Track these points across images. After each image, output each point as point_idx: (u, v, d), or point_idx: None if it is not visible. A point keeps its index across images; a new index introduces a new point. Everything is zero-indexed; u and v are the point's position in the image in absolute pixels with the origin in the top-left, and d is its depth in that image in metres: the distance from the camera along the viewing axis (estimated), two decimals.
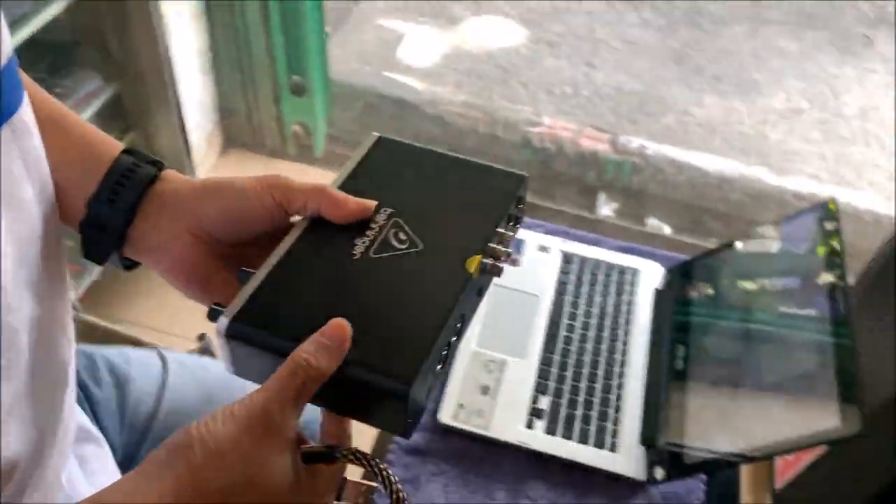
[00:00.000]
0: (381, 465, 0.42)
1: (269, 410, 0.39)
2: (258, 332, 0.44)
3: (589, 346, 0.99)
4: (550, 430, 0.90)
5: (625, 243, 1.16)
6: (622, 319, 1.03)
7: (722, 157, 2.06)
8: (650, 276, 1.09)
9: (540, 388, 0.94)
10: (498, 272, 0.50)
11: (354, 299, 0.45)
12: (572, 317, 1.02)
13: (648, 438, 0.90)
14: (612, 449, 0.89)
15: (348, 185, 0.52)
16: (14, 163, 0.41)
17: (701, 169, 2.02)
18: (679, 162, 2.03)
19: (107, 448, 0.69)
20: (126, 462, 0.72)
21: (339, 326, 0.42)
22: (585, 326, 1.01)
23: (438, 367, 0.45)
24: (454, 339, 0.47)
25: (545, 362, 0.96)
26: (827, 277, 0.87)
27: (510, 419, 0.90)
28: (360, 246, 0.48)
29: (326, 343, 0.41)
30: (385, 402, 0.42)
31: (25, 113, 0.43)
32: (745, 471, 0.95)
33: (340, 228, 0.49)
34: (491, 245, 0.49)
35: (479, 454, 0.88)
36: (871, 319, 1.30)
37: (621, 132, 2.07)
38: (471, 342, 0.97)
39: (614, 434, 0.91)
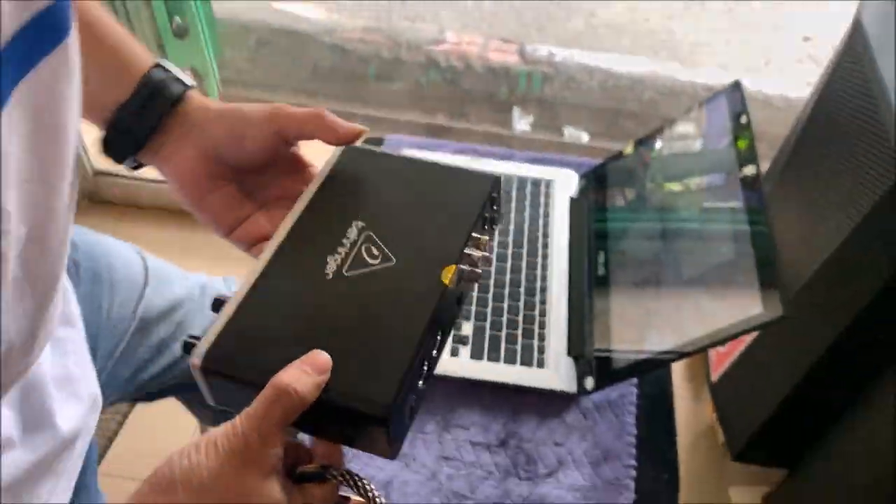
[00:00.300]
0: (370, 487, 0.42)
1: (250, 440, 0.39)
2: (232, 367, 0.43)
3: (507, 264, 0.95)
4: (476, 355, 0.86)
5: (538, 154, 1.12)
6: (539, 233, 0.99)
7: (632, 56, 2.01)
8: (565, 185, 1.05)
9: (462, 314, 0.90)
10: (476, 278, 0.48)
11: (330, 323, 0.44)
12: None
13: (575, 349, 0.88)
14: (541, 365, 0.86)
15: (318, 198, 0.51)
16: None
17: (611, 71, 1.97)
18: (590, 66, 1.98)
19: (82, 333, 0.65)
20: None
21: (320, 355, 0.42)
22: (503, 245, 0.97)
23: (420, 383, 0.44)
24: (434, 352, 0.46)
25: None
26: (740, 166, 0.84)
27: None
28: (331, 264, 0.47)
29: (307, 370, 0.41)
30: (366, 427, 0.41)
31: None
32: (679, 367, 0.94)
33: (314, 245, 0.48)
34: (466, 252, 0.48)
35: None
36: (786, 202, 1.31)
37: (528, 41, 2.00)
38: None
39: (541, 350, 0.88)
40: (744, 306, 0.73)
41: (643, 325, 0.85)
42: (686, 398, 1.60)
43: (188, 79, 0.55)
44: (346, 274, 0.46)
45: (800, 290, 1.19)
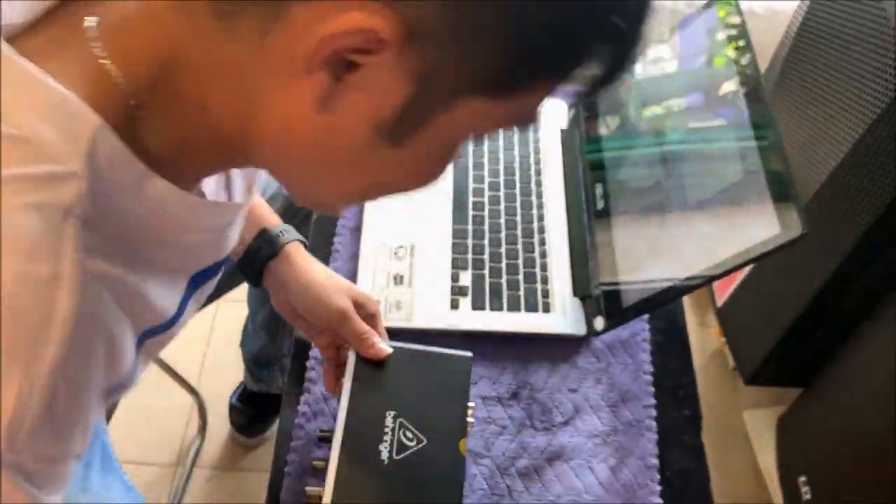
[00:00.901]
0: None
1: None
2: None
3: (501, 207, 0.90)
4: (478, 306, 0.82)
5: None
6: (531, 171, 0.93)
7: None
8: (554, 116, 0.99)
9: (458, 265, 0.85)
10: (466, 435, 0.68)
11: (399, 497, 0.64)
12: (478, 179, 0.92)
13: (582, 290, 0.83)
14: (547, 310, 0.82)
15: (354, 393, 0.68)
16: None
17: None
18: None
19: None
20: None
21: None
22: (494, 187, 0.91)
23: None
24: None
25: (458, 235, 0.87)
26: (736, 81, 0.78)
27: (432, 305, 0.81)
28: (384, 452, 0.65)
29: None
30: None
31: None
32: (685, 300, 0.90)
33: (367, 435, 0.66)
34: (467, 421, 0.68)
35: None
36: (782, 117, 1.25)
37: None
38: (372, 233, 0.86)
39: (546, 294, 0.83)
40: (759, 227, 0.68)
41: (651, 257, 0.80)
42: (692, 324, 1.57)
43: (285, 236, 0.73)
44: (395, 458, 0.65)
45: (805, 207, 1.14)
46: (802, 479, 1.21)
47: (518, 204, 0.90)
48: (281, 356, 1.24)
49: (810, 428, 1.27)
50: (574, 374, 0.79)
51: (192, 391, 1.32)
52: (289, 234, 0.73)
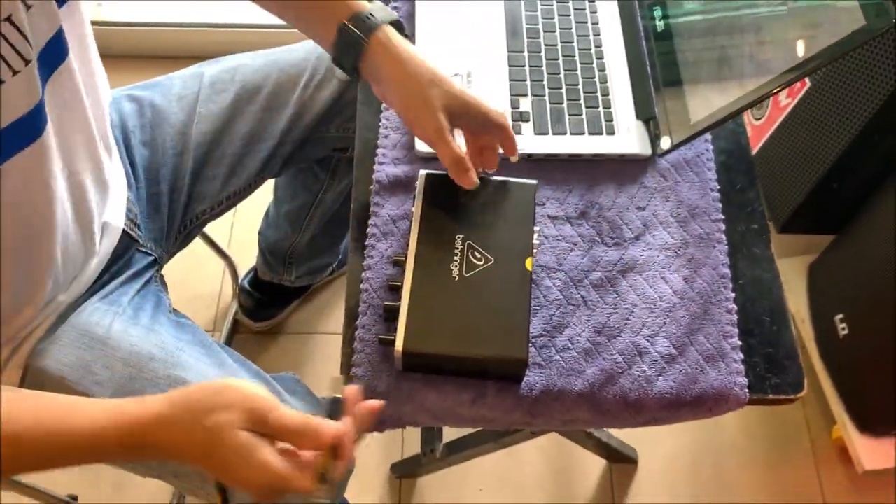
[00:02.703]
0: None
1: (263, 404, 0.55)
2: (421, 347, 0.65)
3: (556, 32, 0.87)
4: (541, 131, 0.80)
5: None
6: None
7: None
8: None
9: (517, 91, 0.83)
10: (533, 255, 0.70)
11: (471, 310, 0.66)
12: (531, 7, 0.88)
13: (645, 111, 0.82)
14: (611, 132, 0.81)
15: (424, 220, 0.70)
16: None
17: None
18: None
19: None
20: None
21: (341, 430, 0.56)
22: (547, 14, 0.88)
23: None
24: None
25: (514, 61, 0.84)
26: None
27: None
28: (454, 270, 0.68)
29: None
30: (512, 371, 0.67)
31: None
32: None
33: (438, 257, 0.68)
34: (533, 243, 0.70)
35: None
36: None
37: None
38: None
39: (608, 117, 0.82)
40: (840, 22, 0.66)
41: (715, 73, 0.78)
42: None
43: (370, 21, 0.69)
44: (466, 275, 0.67)
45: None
46: (839, 317, 1.23)
47: (573, 28, 0.87)
48: (300, 251, 1.22)
49: (844, 270, 1.29)
50: (641, 192, 0.79)
51: (223, 254, 1.29)
52: (375, 17, 0.69)
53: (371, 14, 0.69)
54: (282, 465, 0.53)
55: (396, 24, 0.71)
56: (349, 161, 1.05)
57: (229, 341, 1.32)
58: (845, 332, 1.22)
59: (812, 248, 1.44)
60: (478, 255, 0.68)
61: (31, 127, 0.60)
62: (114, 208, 0.78)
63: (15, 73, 0.55)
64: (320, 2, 0.71)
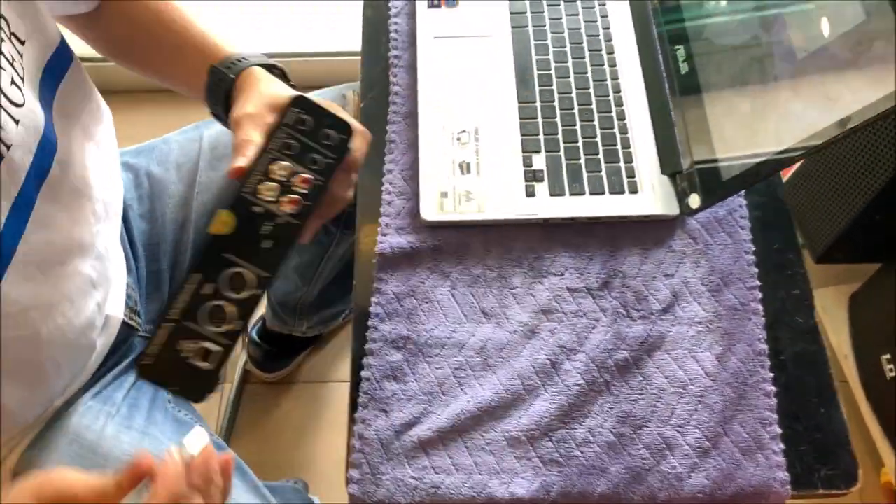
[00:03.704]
0: None
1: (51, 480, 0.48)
2: None
3: (570, 80, 0.80)
4: (556, 191, 0.74)
5: None
6: (600, 36, 0.83)
7: None
8: None
9: (529, 147, 0.76)
10: (289, 205, 0.54)
11: None
12: (541, 50, 0.82)
13: (670, 166, 0.75)
14: (633, 190, 0.74)
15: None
16: None
17: None
18: None
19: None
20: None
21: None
22: (560, 57, 0.81)
23: (224, 327, 0.50)
24: (238, 293, 0.51)
25: (525, 114, 0.78)
26: None
27: (506, 193, 0.73)
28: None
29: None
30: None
31: None
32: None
33: None
34: (245, 192, 0.53)
35: (482, 243, 0.72)
36: None
37: None
38: (429, 119, 0.77)
39: (630, 173, 0.75)
40: (882, 81, 0.59)
41: (748, 123, 0.71)
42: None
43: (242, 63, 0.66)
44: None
45: None
46: (886, 356, 1.15)
47: (589, 74, 0.80)
48: (310, 302, 1.16)
49: (890, 304, 1.20)
50: (669, 258, 0.72)
51: None
52: (246, 60, 0.66)
53: (243, 57, 0.66)
54: None
55: (269, 68, 0.67)
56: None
57: (240, 393, 1.28)
58: (893, 373, 1.14)
59: (851, 276, 1.35)
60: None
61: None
62: (114, 300, 0.73)
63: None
64: (193, 49, 0.68)
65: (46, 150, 0.60)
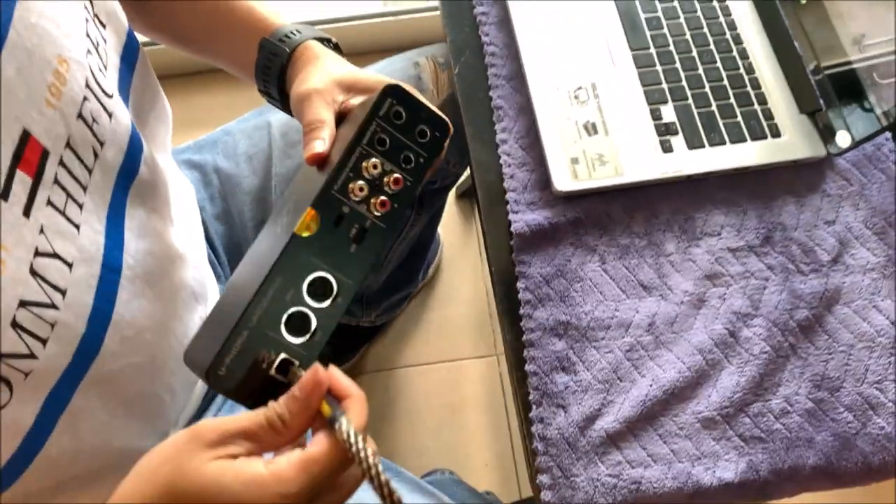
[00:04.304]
0: (376, 466, 0.38)
1: (209, 429, 0.38)
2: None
3: (681, 20, 0.73)
4: (695, 144, 0.67)
5: None
6: None
7: None
8: None
9: (654, 98, 0.69)
10: (379, 207, 0.48)
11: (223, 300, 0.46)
12: None
13: (808, 102, 0.69)
14: (776, 134, 0.68)
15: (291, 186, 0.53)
16: None
17: None
18: None
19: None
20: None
21: (309, 381, 0.40)
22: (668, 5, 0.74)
23: (291, 338, 0.43)
24: (320, 301, 0.45)
25: (641, 63, 0.71)
26: None
27: (641, 151, 0.67)
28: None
29: (296, 397, 0.40)
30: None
31: None
32: None
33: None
34: (337, 189, 0.47)
35: (623, 209, 0.66)
36: None
37: None
38: (538, 79, 0.70)
39: (768, 115, 0.69)
40: None
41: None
42: None
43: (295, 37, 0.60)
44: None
45: None
46: None
47: (699, 13, 0.73)
48: (377, 290, 1.09)
49: None
50: (826, 203, 0.66)
51: None
52: (301, 33, 0.60)
53: (297, 30, 0.60)
54: (292, 458, 0.37)
55: (323, 41, 0.60)
56: (435, 191, 0.92)
57: None
58: None
59: None
60: (282, 222, 0.49)
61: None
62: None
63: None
64: (240, 21, 0.62)
65: (136, 148, 0.53)
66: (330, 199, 0.46)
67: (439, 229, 1.27)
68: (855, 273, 0.63)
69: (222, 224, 0.74)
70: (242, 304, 0.42)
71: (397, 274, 1.06)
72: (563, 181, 0.65)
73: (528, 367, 0.60)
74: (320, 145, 0.49)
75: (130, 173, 0.53)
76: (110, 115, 0.48)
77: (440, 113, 0.51)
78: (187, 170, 0.76)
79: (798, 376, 0.60)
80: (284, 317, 0.43)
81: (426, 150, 0.50)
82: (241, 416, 0.39)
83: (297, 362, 0.43)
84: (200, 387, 0.65)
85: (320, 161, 0.49)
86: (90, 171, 0.47)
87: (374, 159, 0.48)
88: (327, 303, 0.45)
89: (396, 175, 0.48)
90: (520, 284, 0.63)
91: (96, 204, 0.47)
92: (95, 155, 0.47)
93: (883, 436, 0.58)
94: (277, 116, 0.79)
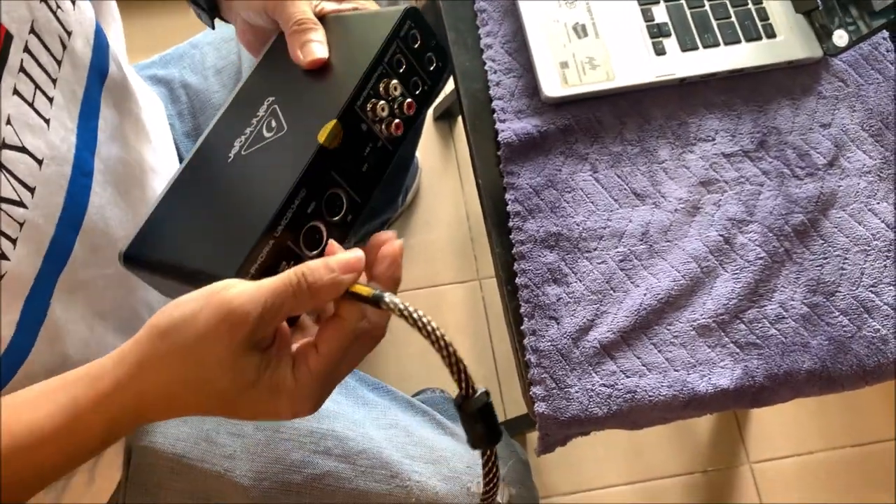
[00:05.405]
0: (431, 324, 0.38)
1: (249, 317, 0.36)
2: (152, 257, 0.43)
3: None
4: (688, 46, 0.64)
5: None
6: None
7: None
8: None
9: None
10: (394, 130, 0.47)
11: (219, 203, 0.44)
12: None
13: (806, 1, 0.66)
14: (771, 35, 0.65)
15: (245, 90, 0.49)
16: None
17: None
18: None
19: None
20: None
21: (353, 254, 0.39)
22: None
23: (304, 249, 0.42)
24: (340, 216, 0.44)
25: None
26: None
27: (633, 54, 0.64)
28: (236, 147, 0.46)
29: (333, 268, 0.38)
30: None
31: None
32: None
33: (232, 130, 0.46)
34: (361, 104, 0.45)
35: (614, 115, 0.63)
36: None
37: None
38: None
39: (763, 15, 0.66)
40: None
41: None
42: None
43: None
44: (243, 153, 0.45)
45: None
46: None
47: None
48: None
49: None
50: (822, 105, 0.64)
51: None
52: None
53: None
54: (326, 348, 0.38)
55: None
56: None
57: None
58: None
59: None
60: (273, 125, 0.47)
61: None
62: None
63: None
64: None
65: (102, 43, 0.50)
66: (353, 114, 0.45)
67: (418, 153, 1.23)
68: (851, 176, 0.62)
69: (193, 141, 0.70)
70: (268, 212, 0.40)
71: (377, 198, 1.03)
72: (552, 87, 0.62)
73: (518, 280, 0.58)
74: (320, 50, 0.47)
75: (101, 72, 0.50)
76: (73, 2, 0.45)
77: (443, 44, 0.52)
78: (153, 85, 0.71)
79: (793, 281, 0.59)
80: (305, 230, 0.43)
81: (431, 79, 0.50)
82: (266, 286, 0.36)
83: None
84: None
85: (318, 67, 0.47)
86: (59, 63, 0.44)
87: (394, 80, 0.47)
88: (338, 219, 0.45)
89: (410, 100, 0.48)
90: (508, 196, 0.61)
91: (67, 99, 0.45)
92: (63, 45, 0.44)
93: (878, 338, 0.57)
94: None
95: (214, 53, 0.73)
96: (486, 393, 0.38)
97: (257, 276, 0.40)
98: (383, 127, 0.47)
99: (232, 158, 0.45)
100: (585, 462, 1.11)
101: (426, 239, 1.23)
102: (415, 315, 0.38)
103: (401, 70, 0.48)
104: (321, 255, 0.43)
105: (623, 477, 1.10)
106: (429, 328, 0.38)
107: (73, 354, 0.49)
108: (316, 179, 0.43)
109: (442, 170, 1.28)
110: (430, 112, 1.29)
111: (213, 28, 0.58)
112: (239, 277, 0.38)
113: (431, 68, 0.50)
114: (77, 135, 0.46)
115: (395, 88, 0.47)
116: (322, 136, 0.43)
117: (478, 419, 0.38)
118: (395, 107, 0.48)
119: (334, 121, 0.44)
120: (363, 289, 0.39)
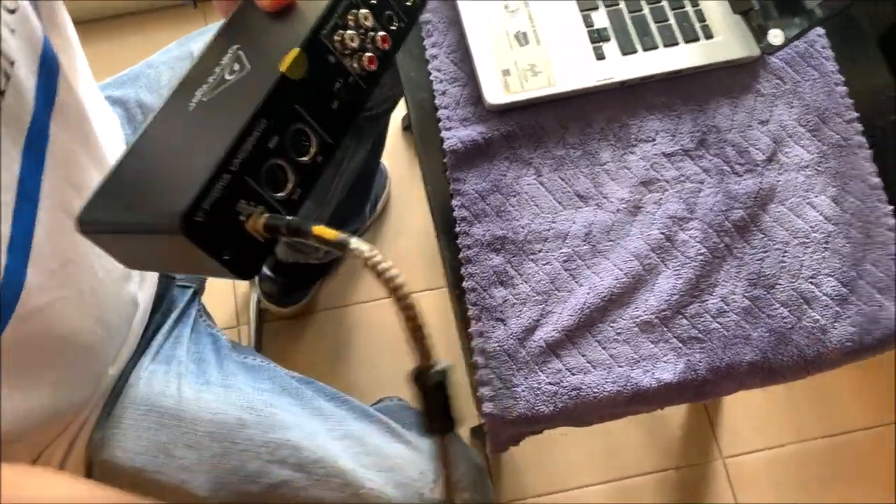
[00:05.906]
0: (397, 279, 0.34)
1: None
2: (106, 219, 0.40)
3: None
4: (628, 49, 0.66)
5: None
6: None
7: None
8: None
9: (586, 5, 0.67)
10: (367, 64, 0.43)
11: (177, 151, 0.40)
12: None
13: (741, 2, 0.68)
14: (709, 35, 0.67)
15: (217, 43, 0.44)
16: None
17: None
18: None
19: None
20: None
21: None
22: None
23: (266, 190, 0.39)
24: (310, 156, 0.41)
25: None
26: None
27: (574, 60, 0.65)
28: (197, 96, 0.42)
29: None
30: (173, 244, 0.36)
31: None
32: None
33: (196, 80, 0.42)
34: (325, 34, 0.42)
35: (556, 120, 0.65)
36: None
37: None
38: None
39: (700, 17, 0.67)
40: None
41: None
42: None
43: None
44: (205, 100, 0.41)
45: None
46: None
47: None
48: (326, 225, 1.06)
49: None
50: (760, 103, 0.66)
51: None
52: None
53: None
54: None
55: None
56: (371, 118, 0.90)
57: (260, 333, 1.19)
58: None
59: None
60: (237, 67, 0.44)
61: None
62: None
63: None
64: None
65: (50, 68, 0.50)
66: (318, 43, 0.42)
67: (386, 163, 1.25)
68: (789, 171, 0.63)
69: None
70: (224, 144, 0.37)
71: (344, 207, 1.04)
72: (495, 94, 0.64)
73: (465, 284, 0.59)
74: None
75: (49, 97, 0.50)
76: (12, 32, 0.45)
77: None
78: (109, 105, 0.72)
79: (734, 276, 0.60)
80: (267, 167, 0.39)
81: (408, 16, 0.47)
82: None
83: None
84: (138, 321, 0.64)
85: (281, 9, 0.43)
86: (2, 94, 0.44)
87: (363, 10, 0.44)
88: (306, 159, 0.41)
89: (383, 33, 0.45)
90: (454, 202, 0.62)
91: (10, 126, 0.45)
92: (7, 76, 0.45)
93: (818, 328, 0.59)
94: (199, 45, 0.75)
95: (169, 73, 0.74)
96: (445, 371, 0.35)
97: (213, 213, 0.36)
98: (354, 62, 0.43)
99: (193, 107, 0.42)
100: (560, 462, 1.12)
101: (396, 247, 1.25)
102: (380, 266, 0.34)
103: (373, 2, 0.45)
104: (287, 198, 0.40)
105: (597, 476, 1.11)
106: (394, 283, 0.34)
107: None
108: (278, 111, 0.40)
109: (411, 178, 1.29)
110: (397, 122, 1.31)
111: (196, 7, 0.57)
112: (193, 214, 0.35)
113: (408, 3, 0.47)
114: (22, 164, 0.47)
115: (366, 18, 0.44)
116: (283, 66, 0.40)
117: (432, 398, 0.35)
118: (368, 40, 0.44)
119: (297, 49, 0.40)
120: (329, 232, 0.36)
